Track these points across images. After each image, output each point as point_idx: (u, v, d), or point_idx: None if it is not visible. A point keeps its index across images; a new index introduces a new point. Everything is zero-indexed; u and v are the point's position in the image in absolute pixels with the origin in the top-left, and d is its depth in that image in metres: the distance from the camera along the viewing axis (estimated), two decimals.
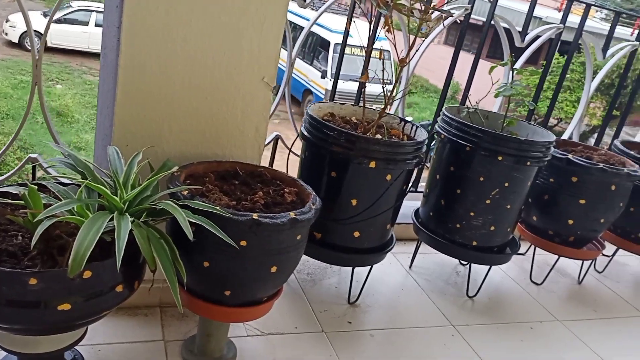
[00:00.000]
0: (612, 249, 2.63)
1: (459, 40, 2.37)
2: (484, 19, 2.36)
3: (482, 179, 1.94)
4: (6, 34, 13.62)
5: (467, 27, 2.41)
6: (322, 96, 12.41)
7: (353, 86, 1.92)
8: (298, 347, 1.73)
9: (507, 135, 1.95)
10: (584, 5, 2.51)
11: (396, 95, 2.08)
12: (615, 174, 2.11)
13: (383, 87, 1.82)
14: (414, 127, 1.96)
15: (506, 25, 2.46)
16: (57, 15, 13.68)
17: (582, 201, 2.15)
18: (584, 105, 2.78)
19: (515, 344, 1.96)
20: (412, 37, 1.83)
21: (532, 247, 2.43)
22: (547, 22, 2.45)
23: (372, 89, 2.08)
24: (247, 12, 1.51)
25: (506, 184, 1.94)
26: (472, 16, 2.36)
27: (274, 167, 2.20)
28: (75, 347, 1.40)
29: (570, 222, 2.20)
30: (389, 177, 1.78)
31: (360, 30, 1.92)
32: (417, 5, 1.73)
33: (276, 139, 2.24)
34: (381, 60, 1.78)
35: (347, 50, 2.02)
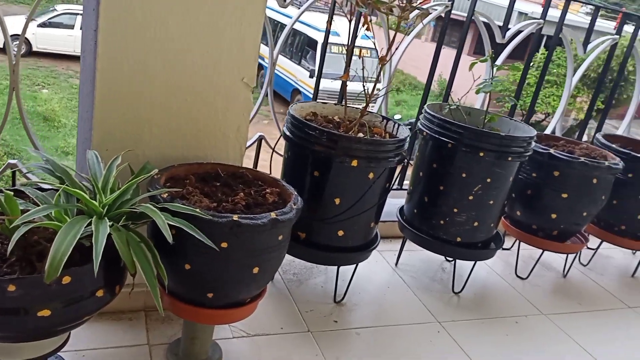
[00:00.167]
0: (597, 242, 2.65)
1: (440, 37, 2.38)
2: (485, 14, 2.37)
3: (464, 175, 1.96)
4: None
5: (454, 23, 2.42)
6: (311, 96, 12.40)
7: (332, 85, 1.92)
8: (284, 347, 1.73)
9: (488, 132, 1.96)
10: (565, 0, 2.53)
11: (378, 93, 2.08)
12: (597, 167, 2.13)
13: (364, 86, 1.82)
14: (396, 125, 1.97)
15: (487, 21, 2.47)
16: (42, 19, 13.58)
17: (565, 195, 2.17)
18: (565, 99, 2.80)
19: (501, 339, 1.97)
20: (394, 35, 1.84)
21: (517, 242, 2.45)
22: (533, 17, 2.46)
23: (358, 87, 2.08)
24: (225, 13, 1.51)
25: (488, 180, 1.95)
26: (457, 12, 2.37)
27: (258, 168, 2.20)
28: (59, 353, 1.40)
29: (554, 216, 2.22)
30: (371, 175, 1.78)
31: (347, 28, 1.92)
32: (396, 3, 1.73)
33: (260, 139, 2.24)
34: (361, 58, 1.78)
35: (335, 49, 2.02)
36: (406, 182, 2.57)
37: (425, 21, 2.19)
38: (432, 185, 2.05)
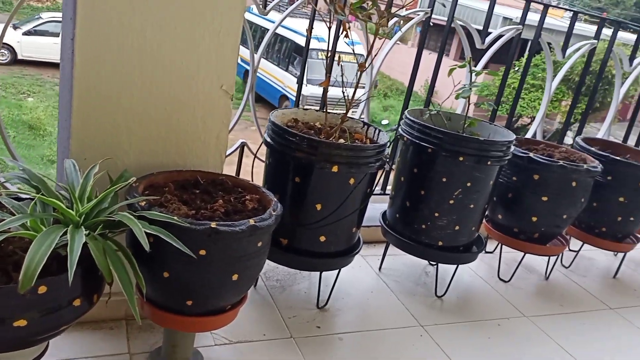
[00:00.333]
0: (579, 244, 2.68)
1: (420, 43, 2.41)
2: (464, 20, 2.40)
3: (444, 179, 1.97)
4: None
5: (440, 29, 2.44)
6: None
7: (330, 91, 1.94)
8: (266, 354, 1.73)
9: (467, 136, 1.98)
10: (562, 6, 2.56)
11: (360, 99, 2.10)
12: (575, 170, 2.15)
13: (343, 92, 1.84)
14: (377, 131, 1.98)
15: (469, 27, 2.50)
16: (27, 27, 13.50)
17: (545, 198, 2.20)
18: (545, 103, 2.84)
19: (483, 341, 1.99)
20: (379, 41, 1.85)
21: (500, 245, 2.47)
22: (517, 22, 2.50)
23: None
24: (203, 22, 1.51)
25: (468, 184, 1.97)
26: (441, 18, 2.39)
27: (241, 174, 2.20)
28: None
29: (534, 219, 2.24)
30: (352, 180, 1.79)
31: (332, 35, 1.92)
32: (375, 10, 1.75)
33: (242, 146, 2.24)
34: (340, 65, 1.80)
35: (322, 55, 2.04)
36: (389, 187, 2.58)
37: (404, 28, 2.21)
38: (414, 190, 2.07)
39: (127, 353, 1.61)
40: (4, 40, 1.82)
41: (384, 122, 13.71)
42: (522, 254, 2.39)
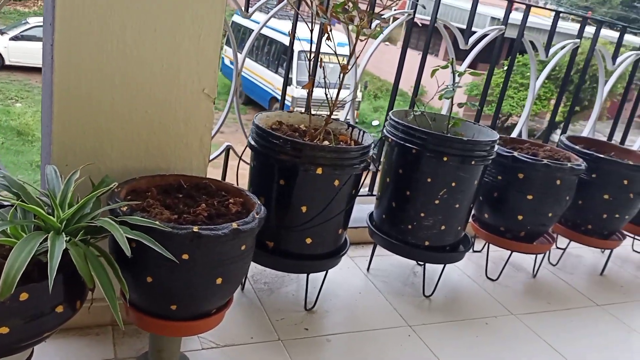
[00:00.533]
0: (566, 242, 2.70)
1: (404, 44, 2.41)
2: (447, 21, 2.41)
3: (429, 180, 1.98)
4: None
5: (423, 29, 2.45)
6: (289, 103, 12.44)
7: (317, 92, 1.94)
8: (254, 357, 1.72)
9: (451, 137, 1.99)
10: (543, 6, 2.58)
11: (345, 99, 2.10)
12: (559, 168, 2.17)
13: (326, 94, 1.84)
14: (361, 132, 1.99)
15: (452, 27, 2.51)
16: (14, 33, 13.41)
17: (530, 197, 2.21)
18: (529, 103, 2.86)
19: (471, 340, 2.00)
20: (363, 43, 1.86)
21: (487, 244, 2.48)
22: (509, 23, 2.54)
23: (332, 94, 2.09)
24: (183, 25, 1.51)
25: (453, 184, 1.98)
26: (427, 18, 2.40)
27: (229, 177, 2.20)
28: None
29: (520, 217, 2.26)
30: (336, 182, 1.79)
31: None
32: (356, 13, 1.76)
33: (227, 149, 2.24)
34: (322, 66, 1.80)
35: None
36: (376, 188, 2.59)
37: (387, 30, 2.22)
38: (399, 191, 2.07)
39: (113, 359, 1.61)
40: None
41: (375, 123, 13.74)
42: (509, 252, 2.41)
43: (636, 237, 2.88)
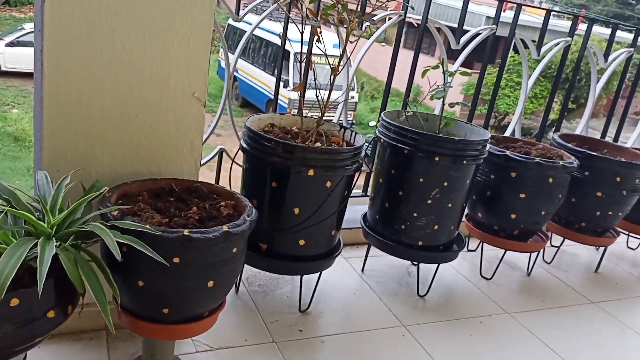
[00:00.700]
0: (560, 240, 2.71)
1: (396, 44, 2.42)
2: (442, 22, 2.42)
3: (422, 180, 1.99)
4: None
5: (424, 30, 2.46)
6: (286, 105, 12.45)
7: (312, 94, 1.94)
8: (248, 359, 1.73)
9: (442, 136, 2.00)
10: (540, 5, 2.59)
11: (337, 100, 2.11)
12: (551, 166, 2.18)
13: (317, 96, 1.85)
14: (353, 133, 1.99)
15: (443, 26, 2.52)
16: (10, 38, 13.41)
17: (523, 195, 2.22)
18: (522, 102, 2.87)
19: (465, 339, 2.00)
20: (345, 45, 1.87)
21: (481, 243, 2.49)
22: (501, 22, 2.55)
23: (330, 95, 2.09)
24: (172, 29, 1.52)
25: (445, 184, 1.98)
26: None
27: (221, 180, 2.21)
28: None
29: (513, 216, 2.26)
30: (329, 184, 1.80)
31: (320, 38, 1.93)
32: (345, 15, 1.77)
33: (221, 152, 2.25)
34: (312, 69, 1.81)
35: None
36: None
37: (378, 31, 2.22)
38: (392, 191, 2.08)
39: None
40: None
41: (372, 123, 13.75)
42: (503, 251, 2.41)
43: (630, 234, 2.89)
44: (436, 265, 2.24)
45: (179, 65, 1.56)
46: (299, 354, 1.78)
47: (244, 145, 1.85)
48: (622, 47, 3.16)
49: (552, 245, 2.74)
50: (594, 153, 2.45)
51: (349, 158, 1.81)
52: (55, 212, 1.30)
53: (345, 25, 1.80)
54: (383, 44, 14.75)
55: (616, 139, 3.24)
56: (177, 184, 1.59)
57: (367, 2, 2.17)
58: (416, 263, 2.35)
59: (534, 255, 2.56)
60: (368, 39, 2.46)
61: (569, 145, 2.49)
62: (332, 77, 1.82)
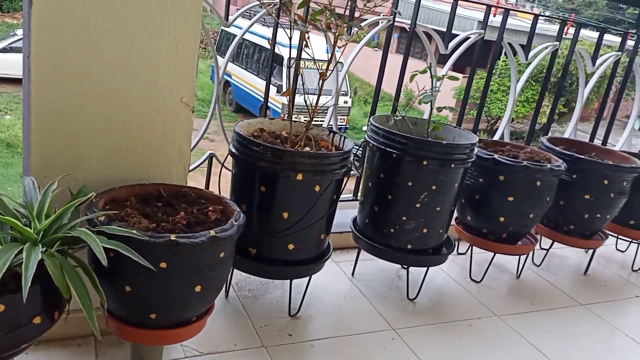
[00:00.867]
0: (550, 242, 2.72)
1: (385, 49, 2.44)
2: (429, 26, 2.44)
3: (410, 183, 2.00)
4: None
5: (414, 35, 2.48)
6: (280, 111, 12.47)
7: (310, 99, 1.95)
8: None
9: (430, 140, 2.01)
10: (532, 10, 2.61)
11: (327, 104, 2.12)
12: (539, 170, 2.20)
13: (305, 101, 1.86)
14: (342, 138, 2.00)
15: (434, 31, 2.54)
16: (3, 45, 13.37)
17: (511, 198, 2.23)
18: (511, 106, 2.89)
19: (454, 342, 2.01)
20: (332, 51, 1.88)
21: (471, 246, 2.50)
22: (492, 26, 2.58)
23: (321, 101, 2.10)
24: (160, 35, 1.53)
25: (434, 187, 2.00)
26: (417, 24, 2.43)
27: (211, 185, 2.21)
28: None
29: (502, 219, 2.28)
30: (317, 188, 1.81)
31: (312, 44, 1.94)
32: (333, 20, 1.78)
33: (211, 157, 2.25)
34: (300, 74, 1.82)
35: (300, 63, 2.07)
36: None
37: (367, 36, 2.24)
38: (381, 195, 2.09)
39: None
40: None
41: (365, 128, 13.76)
42: (493, 254, 2.43)
43: (619, 236, 2.91)
44: (426, 268, 2.25)
45: (167, 71, 1.57)
46: (288, 359, 1.78)
47: (233, 150, 1.85)
48: (613, 50, 3.19)
49: (542, 248, 2.75)
50: (582, 156, 2.47)
51: (337, 162, 1.82)
52: (41, 217, 1.30)
53: (333, 31, 1.81)
54: (376, 49, 14.81)
55: (604, 142, 3.27)
56: (165, 189, 1.59)
57: (356, 7, 2.19)
58: (406, 266, 2.36)
59: (523, 258, 2.57)
60: (358, 43, 2.48)
61: (557, 148, 2.51)
62: (321, 82, 1.83)
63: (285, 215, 1.81)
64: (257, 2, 2.11)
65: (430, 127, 2.15)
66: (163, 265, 1.31)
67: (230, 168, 1.95)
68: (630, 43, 3.16)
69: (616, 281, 2.75)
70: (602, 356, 2.13)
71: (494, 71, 14.30)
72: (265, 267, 1.88)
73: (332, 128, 2.31)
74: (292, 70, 1.98)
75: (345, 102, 13.14)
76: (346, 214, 2.41)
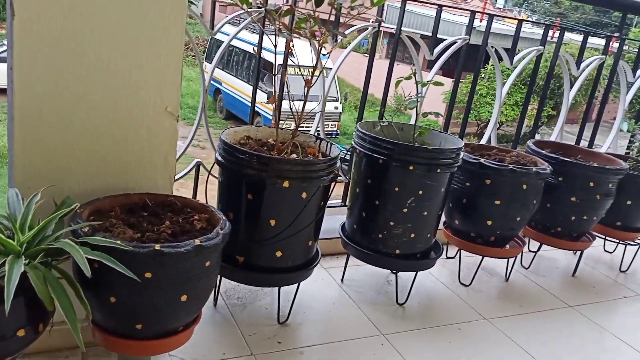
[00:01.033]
0: (537, 245, 2.74)
1: (371, 55, 2.45)
2: (416, 31, 2.46)
3: (397, 189, 2.01)
4: None
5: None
6: (271, 118, 12.47)
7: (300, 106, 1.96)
8: None
9: (416, 146, 2.02)
10: (519, 14, 2.64)
11: (314, 110, 2.13)
12: (525, 173, 2.21)
13: (291, 108, 1.86)
14: (329, 144, 2.01)
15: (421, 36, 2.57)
16: None
17: (498, 202, 2.25)
18: (497, 110, 2.91)
19: (443, 346, 2.01)
20: (317, 58, 1.89)
21: (459, 250, 2.51)
22: (479, 31, 2.61)
23: (309, 107, 2.10)
24: (143, 45, 1.53)
25: (420, 192, 2.01)
26: (404, 30, 2.45)
27: (199, 193, 2.21)
28: None
29: (489, 222, 2.29)
30: (304, 195, 1.81)
31: (302, 50, 1.95)
32: (316, 28, 1.79)
33: (197, 165, 2.25)
34: (285, 81, 1.82)
35: (290, 70, 2.08)
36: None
37: (353, 42, 2.25)
38: (368, 201, 2.10)
39: None
40: None
41: None
42: (481, 257, 2.44)
43: (607, 237, 2.93)
44: (414, 273, 2.25)
45: (151, 80, 1.57)
46: None
47: (219, 158, 1.86)
48: (600, 53, 3.23)
49: (530, 251, 2.77)
50: (568, 159, 2.49)
51: (324, 169, 1.82)
52: (25, 229, 1.29)
53: (318, 38, 1.82)
54: (366, 54, 14.85)
55: (590, 144, 3.30)
56: (151, 199, 1.59)
57: (340, 14, 2.20)
58: (395, 272, 2.37)
59: (511, 260, 2.58)
60: (344, 48, 2.49)
61: (543, 151, 2.54)
62: (307, 89, 1.84)
63: (273, 222, 1.81)
64: (244, 11, 2.12)
65: (416, 132, 2.16)
66: (148, 275, 1.31)
67: (217, 176, 1.95)
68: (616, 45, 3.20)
69: (604, 282, 2.77)
70: (592, 357, 2.14)
71: (483, 75, 14.42)
72: (253, 275, 1.88)
73: (319, 135, 2.32)
74: (275, 77, 1.98)
75: (336, 107, 13.18)
76: (336, 219, 2.41)
